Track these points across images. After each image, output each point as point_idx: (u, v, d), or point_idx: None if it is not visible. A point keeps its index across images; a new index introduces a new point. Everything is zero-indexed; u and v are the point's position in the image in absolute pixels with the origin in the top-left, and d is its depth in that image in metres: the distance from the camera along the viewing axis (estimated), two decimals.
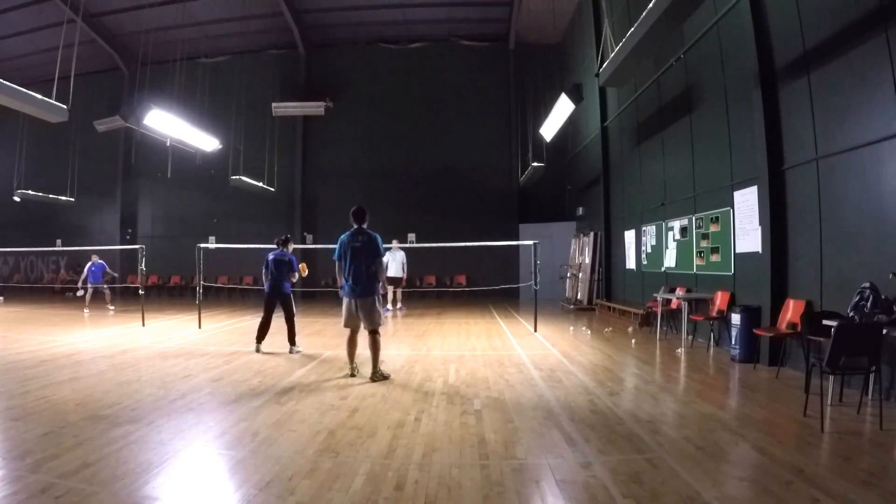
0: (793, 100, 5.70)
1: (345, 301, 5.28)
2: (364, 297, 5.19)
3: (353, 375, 5.32)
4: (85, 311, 11.88)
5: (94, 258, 12.82)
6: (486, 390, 4.84)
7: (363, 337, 5.38)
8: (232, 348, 7.15)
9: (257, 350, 6.73)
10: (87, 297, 12.42)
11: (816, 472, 2.91)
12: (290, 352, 6.67)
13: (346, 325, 5.34)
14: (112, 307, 12.65)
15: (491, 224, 15.66)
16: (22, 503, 2.52)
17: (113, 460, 3.06)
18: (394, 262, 11.44)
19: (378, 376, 5.16)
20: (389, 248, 10.93)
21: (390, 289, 11.59)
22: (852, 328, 3.98)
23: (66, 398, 4.42)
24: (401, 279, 11.74)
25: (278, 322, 6.95)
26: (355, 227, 5.27)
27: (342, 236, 5.31)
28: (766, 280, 6.00)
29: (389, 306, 11.80)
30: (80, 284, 12.77)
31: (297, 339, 6.83)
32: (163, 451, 3.24)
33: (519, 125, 15.81)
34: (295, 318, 6.86)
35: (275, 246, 6.93)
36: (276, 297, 6.74)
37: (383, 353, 5.55)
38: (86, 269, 12.71)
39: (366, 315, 5.23)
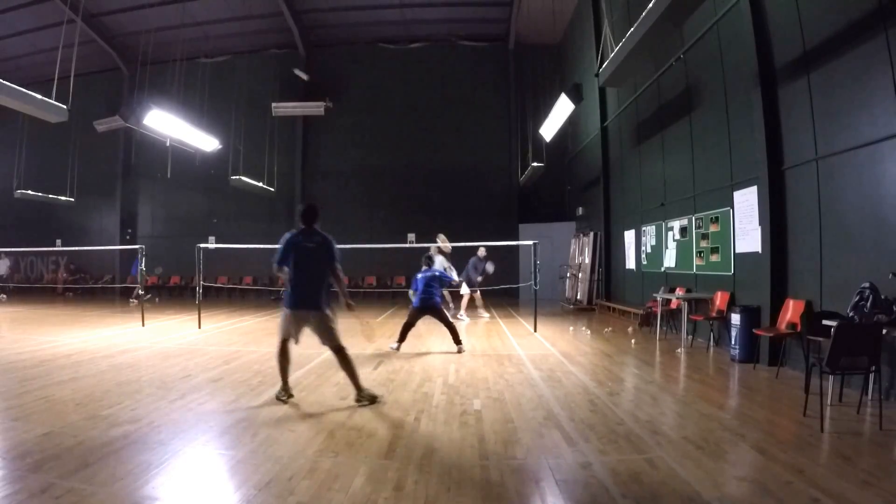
0: (793, 100, 5.70)
1: (285, 313, 4.36)
2: (317, 309, 4.29)
3: (288, 398, 4.41)
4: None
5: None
6: (486, 390, 4.83)
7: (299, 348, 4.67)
8: (232, 348, 7.15)
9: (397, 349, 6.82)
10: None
11: (816, 472, 2.91)
12: (458, 351, 6.80)
13: (282, 336, 4.39)
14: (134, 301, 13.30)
15: (491, 224, 15.66)
16: (22, 503, 2.52)
17: (113, 460, 3.06)
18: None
19: (365, 397, 4.35)
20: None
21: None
22: (852, 328, 3.98)
23: (66, 398, 4.41)
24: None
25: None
26: (303, 227, 4.40)
27: (287, 235, 4.39)
28: (766, 280, 6.01)
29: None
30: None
31: (454, 340, 6.91)
32: (163, 451, 3.24)
33: (519, 125, 15.80)
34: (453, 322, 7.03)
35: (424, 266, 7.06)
36: (426, 310, 6.86)
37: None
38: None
39: (321, 332, 4.33)
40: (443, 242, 9.88)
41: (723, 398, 4.75)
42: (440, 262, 9.45)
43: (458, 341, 6.89)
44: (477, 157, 16.45)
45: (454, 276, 7.37)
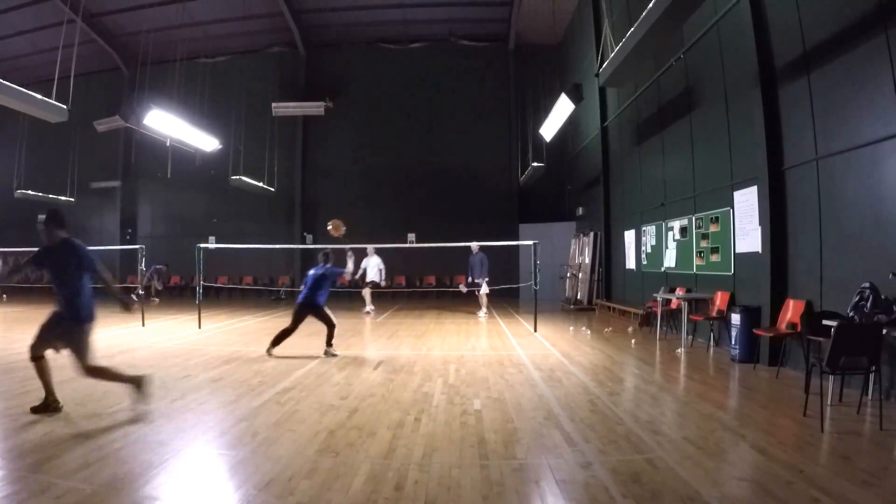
0: (793, 100, 5.70)
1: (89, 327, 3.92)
2: (71, 323, 3.82)
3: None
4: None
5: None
6: (486, 390, 4.83)
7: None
8: (232, 348, 7.15)
9: (269, 354, 6.51)
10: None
11: (816, 472, 2.91)
12: (326, 354, 6.60)
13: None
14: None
15: (491, 224, 15.67)
16: (22, 503, 2.52)
17: (113, 460, 3.06)
18: (371, 267, 11.82)
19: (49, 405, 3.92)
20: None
21: (367, 290, 11.93)
22: (852, 328, 3.98)
23: (66, 398, 4.41)
24: (378, 283, 12.05)
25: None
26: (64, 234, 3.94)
27: (82, 245, 3.98)
28: (766, 280, 6.00)
29: (370, 308, 11.95)
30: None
31: (326, 342, 6.67)
32: (163, 451, 3.24)
33: (519, 125, 15.81)
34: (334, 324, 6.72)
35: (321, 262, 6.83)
36: (308, 309, 6.57)
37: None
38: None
39: (73, 349, 3.82)
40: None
41: (723, 398, 4.75)
42: (376, 262, 11.85)
43: (329, 343, 6.61)
44: (477, 156, 16.46)
45: (349, 268, 7.12)
